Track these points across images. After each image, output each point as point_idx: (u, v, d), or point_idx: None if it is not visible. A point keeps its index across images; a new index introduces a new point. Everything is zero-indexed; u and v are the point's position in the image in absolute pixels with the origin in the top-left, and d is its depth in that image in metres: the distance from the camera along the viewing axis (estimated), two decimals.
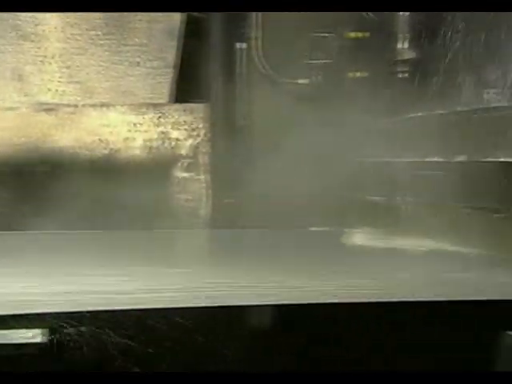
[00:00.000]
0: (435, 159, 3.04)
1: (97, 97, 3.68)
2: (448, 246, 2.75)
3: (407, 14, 3.36)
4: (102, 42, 3.61)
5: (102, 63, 3.66)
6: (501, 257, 2.49)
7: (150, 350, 1.62)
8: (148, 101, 3.70)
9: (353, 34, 3.72)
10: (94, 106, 3.64)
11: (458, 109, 2.99)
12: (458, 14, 3.05)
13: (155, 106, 3.67)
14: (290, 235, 3.33)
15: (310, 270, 2.29)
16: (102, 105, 3.64)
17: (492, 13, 2.84)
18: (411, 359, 1.77)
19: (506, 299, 1.95)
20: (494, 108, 2.80)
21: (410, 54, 3.39)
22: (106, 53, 3.66)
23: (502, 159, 2.63)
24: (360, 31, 3.70)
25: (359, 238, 3.01)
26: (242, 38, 3.80)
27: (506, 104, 2.73)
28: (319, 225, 3.33)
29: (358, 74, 3.73)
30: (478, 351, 1.80)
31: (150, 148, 3.66)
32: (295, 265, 2.39)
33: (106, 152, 3.65)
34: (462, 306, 1.89)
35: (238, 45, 3.80)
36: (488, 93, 2.92)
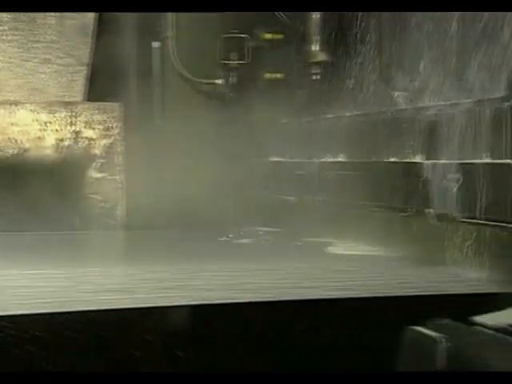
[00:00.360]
0: (346, 159, 3.09)
1: (5, 94, 3.53)
2: (354, 245, 2.81)
3: (320, 15, 3.39)
4: (9, 37, 3.47)
5: (10, 60, 3.51)
6: (402, 254, 2.56)
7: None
8: (60, 99, 3.58)
9: (267, 36, 3.73)
10: (2, 103, 3.49)
11: (368, 110, 3.05)
12: (370, 16, 3.10)
13: (67, 104, 3.55)
14: (201, 235, 3.31)
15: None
16: (11, 103, 3.49)
17: (403, 16, 2.90)
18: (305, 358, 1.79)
19: (409, 295, 2.00)
20: (402, 110, 2.87)
21: (322, 56, 3.43)
22: (15, 49, 3.51)
23: (407, 160, 2.70)
24: (274, 32, 3.72)
25: (270, 237, 3.04)
26: (157, 37, 3.75)
27: (413, 106, 2.81)
28: (233, 225, 3.32)
29: (273, 75, 3.75)
30: (384, 347, 1.84)
31: (63, 148, 3.54)
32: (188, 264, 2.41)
33: (16, 152, 3.50)
34: (365, 303, 1.92)
35: (152, 44, 3.74)
36: (397, 95, 2.99)
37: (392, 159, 2.75)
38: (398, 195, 2.71)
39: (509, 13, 2.17)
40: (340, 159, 3.11)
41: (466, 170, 2.30)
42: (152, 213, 3.34)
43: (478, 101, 2.28)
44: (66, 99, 3.59)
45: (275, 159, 3.52)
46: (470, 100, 2.35)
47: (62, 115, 3.53)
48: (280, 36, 3.71)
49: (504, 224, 2.10)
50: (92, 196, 3.55)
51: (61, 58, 3.58)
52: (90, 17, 3.60)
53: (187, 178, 3.41)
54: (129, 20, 3.65)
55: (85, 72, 3.62)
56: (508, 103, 2.13)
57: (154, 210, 3.33)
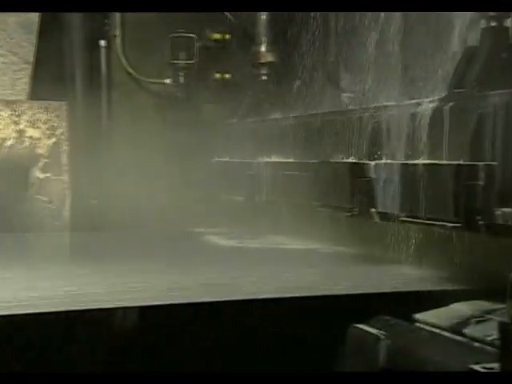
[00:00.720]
0: (294, 160, 3.09)
1: None
2: (301, 244, 2.81)
3: (267, 16, 3.39)
4: None
5: None
6: (348, 252, 2.58)
7: None
8: (3, 98, 3.47)
9: (216, 36, 3.70)
10: None
11: (315, 111, 3.06)
12: (317, 17, 3.10)
13: (10, 103, 3.44)
14: (147, 235, 3.26)
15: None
16: None
17: (350, 19, 2.91)
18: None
19: (349, 293, 2.01)
20: (347, 111, 2.88)
21: (270, 57, 3.43)
22: None
23: (352, 160, 2.72)
24: (223, 33, 3.70)
25: (216, 237, 3.02)
26: (103, 36, 3.67)
27: (358, 107, 2.83)
28: (179, 224, 3.29)
29: (221, 76, 3.73)
30: (325, 345, 1.84)
31: (6, 147, 3.43)
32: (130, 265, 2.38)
33: None
34: (308, 302, 1.92)
35: (98, 42, 3.66)
36: (344, 97, 3.01)
37: (338, 159, 2.77)
38: (343, 195, 2.72)
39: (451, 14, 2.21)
40: (287, 159, 3.11)
41: (407, 170, 2.32)
42: (98, 213, 3.27)
43: (418, 103, 2.32)
44: (10, 98, 3.48)
45: (223, 159, 3.50)
46: (411, 102, 2.38)
47: (6, 114, 3.42)
48: (228, 36, 3.69)
49: (445, 223, 2.14)
50: (37, 197, 3.46)
51: (3, 56, 3.46)
52: (34, 14, 3.49)
53: (133, 177, 3.35)
54: (75, 18, 3.56)
55: (29, 70, 3.51)
56: (447, 105, 2.17)
57: (99, 211, 3.27)
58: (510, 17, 2.07)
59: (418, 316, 1.88)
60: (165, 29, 3.64)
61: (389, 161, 2.45)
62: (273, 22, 3.42)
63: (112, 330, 1.72)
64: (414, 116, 2.34)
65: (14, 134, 3.43)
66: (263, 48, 3.43)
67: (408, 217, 2.32)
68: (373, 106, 2.61)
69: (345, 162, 2.72)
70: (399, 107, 2.45)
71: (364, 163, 2.57)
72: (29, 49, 3.49)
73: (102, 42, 3.66)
